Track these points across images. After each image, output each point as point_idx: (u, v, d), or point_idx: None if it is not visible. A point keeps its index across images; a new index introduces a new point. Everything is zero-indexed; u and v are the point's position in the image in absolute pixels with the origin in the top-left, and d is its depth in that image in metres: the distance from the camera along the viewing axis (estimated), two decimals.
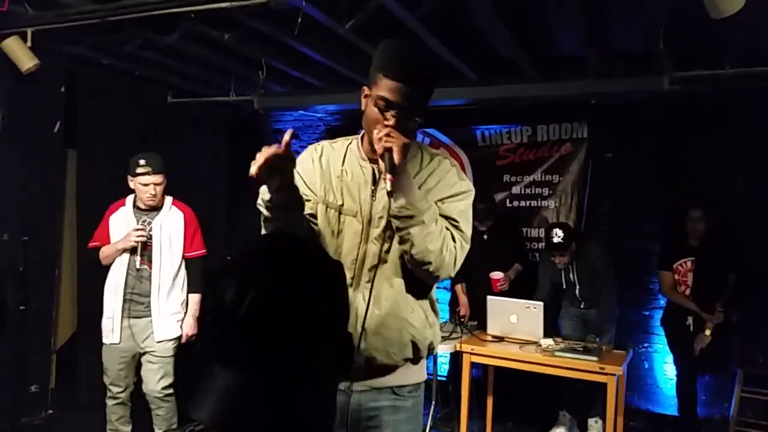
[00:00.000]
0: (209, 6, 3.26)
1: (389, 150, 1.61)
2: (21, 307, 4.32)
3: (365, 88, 1.77)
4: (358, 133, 1.90)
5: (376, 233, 1.78)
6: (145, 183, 3.49)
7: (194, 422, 0.91)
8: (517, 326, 4.18)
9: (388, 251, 1.79)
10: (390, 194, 1.61)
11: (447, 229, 1.75)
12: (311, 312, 0.85)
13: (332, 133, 6.31)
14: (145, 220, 3.56)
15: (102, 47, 4.35)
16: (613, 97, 4.53)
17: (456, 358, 4.39)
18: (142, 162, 3.48)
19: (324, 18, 3.39)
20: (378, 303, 1.78)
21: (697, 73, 3.88)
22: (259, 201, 1.71)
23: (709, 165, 4.82)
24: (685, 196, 4.73)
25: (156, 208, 3.59)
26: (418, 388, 1.91)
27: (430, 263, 1.69)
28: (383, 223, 1.77)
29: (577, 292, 4.53)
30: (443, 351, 4.16)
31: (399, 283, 1.80)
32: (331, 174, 1.84)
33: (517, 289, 4.67)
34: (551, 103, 5.00)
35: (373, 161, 1.80)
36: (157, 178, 3.52)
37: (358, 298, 1.76)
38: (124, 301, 3.51)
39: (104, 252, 3.56)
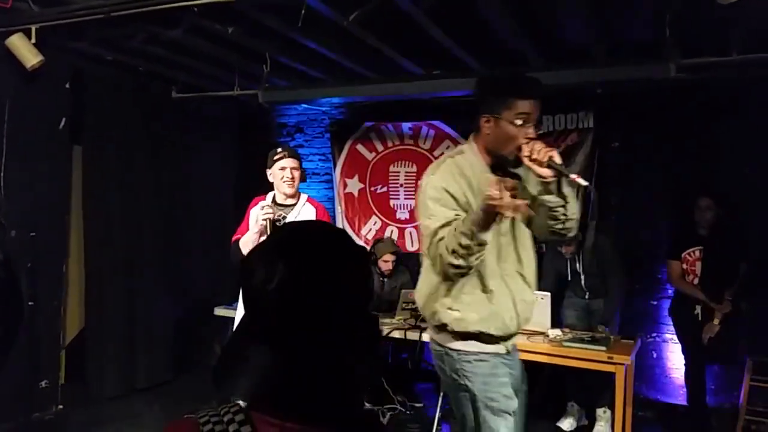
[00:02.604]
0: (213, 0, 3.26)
1: (551, 157, 1.99)
2: (30, 303, 4.34)
3: (488, 115, 2.18)
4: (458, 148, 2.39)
5: (503, 228, 2.23)
6: (283, 167, 3.47)
7: (229, 404, 0.95)
8: None
9: (515, 238, 2.29)
10: (587, 187, 2.06)
11: None
12: (344, 295, 0.88)
13: (337, 126, 6.30)
14: (281, 214, 3.46)
15: (106, 43, 4.35)
16: (619, 85, 4.50)
17: None
18: (278, 150, 3.54)
19: (328, 10, 3.38)
20: (526, 281, 2.32)
21: (704, 60, 3.84)
22: (470, 242, 2.02)
23: (717, 153, 4.79)
24: (693, 184, 4.70)
25: (293, 204, 3.55)
26: None
27: (573, 228, 2.27)
28: (506, 219, 2.17)
29: (582, 282, 4.51)
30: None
31: (531, 259, 2.37)
32: (471, 186, 2.20)
33: None
34: (557, 92, 4.96)
35: (495, 169, 2.21)
36: (294, 162, 3.51)
37: (509, 281, 2.27)
38: None
39: (243, 241, 3.41)
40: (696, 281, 4.41)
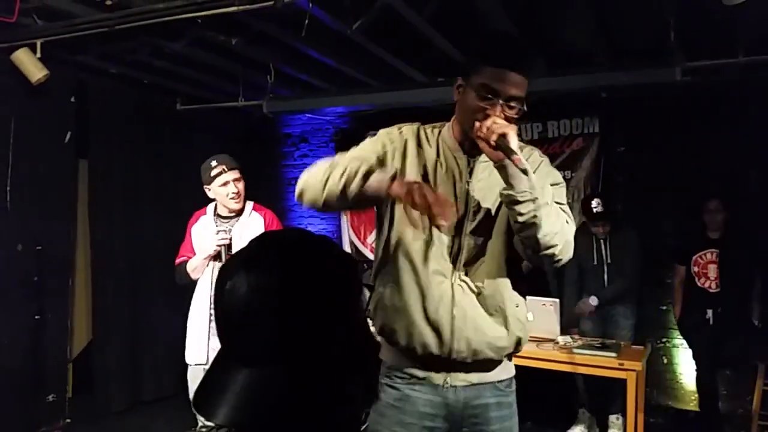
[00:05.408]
0: (216, 11, 3.27)
1: (504, 135, 1.54)
2: (36, 317, 4.34)
3: (459, 78, 1.72)
4: (446, 123, 1.86)
5: (471, 227, 1.74)
6: (224, 182, 3.07)
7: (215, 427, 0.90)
8: (533, 324, 4.12)
9: (485, 245, 1.75)
10: (525, 172, 1.54)
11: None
12: (323, 306, 0.82)
13: (341, 135, 6.29)
14: (225, 228, 3.15)
15: (110, 56, 4.37)
16: (624, 90, 4.48)
17: None
18: (213, 163, 3.09)
19: (331, 19, 3.38)
20: (482, 298, 1.74)
21: (709, 63, 3.82)
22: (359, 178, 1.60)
23: (723, 156, 4.76)
24: (700, 189, 4.66)
25: (237, 214, 3.19)
26: (512, 382, 1.89)
27: (556, 245, 1.62)
28: (480, 216, 1.74)
29: (605, 274, 4.44)
30: None
31: (502, 277, 1.76)
32: (427, 162, 1.77)
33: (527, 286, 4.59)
34: (562, 98, 4.95)
35: (467, 153, 1.76)
36: (235, 174, 3.10)
37: (458, 293, 1.73)
38: (210, 317, 3.08)
39: (191, 264, 3.14)
40: (707, 284, 4.35)
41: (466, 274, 1.75)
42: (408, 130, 1.83)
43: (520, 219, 1.57)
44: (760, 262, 4.30)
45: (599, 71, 4.16)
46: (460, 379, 1.77)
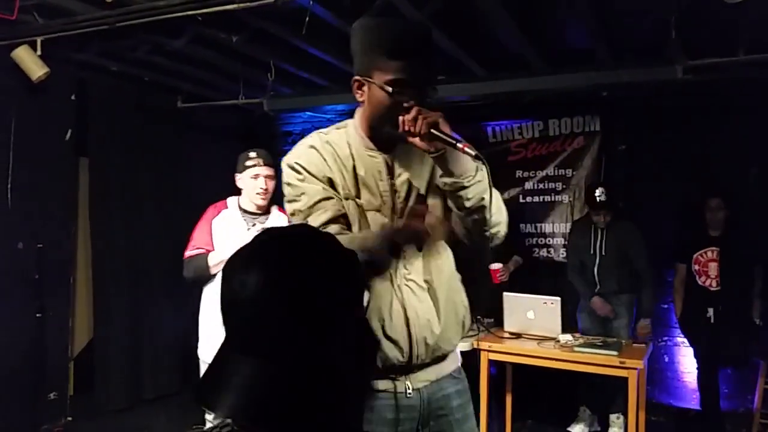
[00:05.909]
0: (216, 8, 3.26)
1: (435, 124, 1.47)
2: (37, 315, 4.34)
3: (358, 78, 1.63)
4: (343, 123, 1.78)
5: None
6: (256, 174, 3.07)
7: (220, 422, 0.92)
8: (534, 322, 4.14)
9: None
10: (478, 158, 1.47)
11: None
12: (329, 303, 0.83)
13: None
14: (255, 224, 3.11)
15: (111, 54, 4.36)
16: (626, 88, 4.48)
17: (473, 355, 4.35)
18: (252, 154, 3.12)
19: (331, 17, 3.38)
20: (432, 292, 1.72)
21: (711, 61, 3.81)
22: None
23: (725, 154, 4.75)
24: (701, 186, 4.66)
25: (264, 212, 3.17)
26: (461, 368, 1.89)
27: (501, 222, 1.65)
28: (407, 210, 1.70)
29: (595, 266, 4.46)
30: (460, 348, 4.13)
31: (446, 266, 1.76)
32: (344, 167, 1.70)
33: (515, 283, 4.60)
34: (562, 96, 4.95)
35: (382, 150, 1.69)
36: (270, 170, 3.10)
37: (405, 291, 1.68)
38: None
39: (216, 258, 3.04)
40: (708, 282, 4.36)
41: (411, 273, 1.70)
42: (314, 141, 1.76)
43: (468, 204, 1.54)
44: (761, 260, 4.30)
45: (600, 69, 4.15)
46: (420, 379, 1.74)
